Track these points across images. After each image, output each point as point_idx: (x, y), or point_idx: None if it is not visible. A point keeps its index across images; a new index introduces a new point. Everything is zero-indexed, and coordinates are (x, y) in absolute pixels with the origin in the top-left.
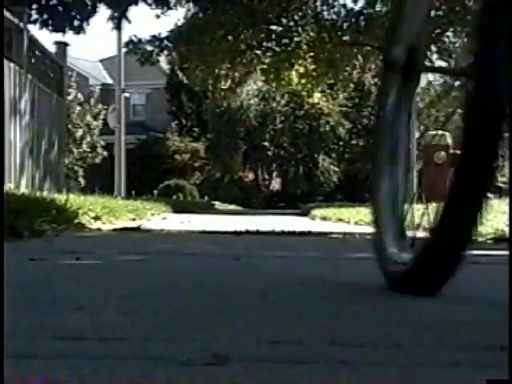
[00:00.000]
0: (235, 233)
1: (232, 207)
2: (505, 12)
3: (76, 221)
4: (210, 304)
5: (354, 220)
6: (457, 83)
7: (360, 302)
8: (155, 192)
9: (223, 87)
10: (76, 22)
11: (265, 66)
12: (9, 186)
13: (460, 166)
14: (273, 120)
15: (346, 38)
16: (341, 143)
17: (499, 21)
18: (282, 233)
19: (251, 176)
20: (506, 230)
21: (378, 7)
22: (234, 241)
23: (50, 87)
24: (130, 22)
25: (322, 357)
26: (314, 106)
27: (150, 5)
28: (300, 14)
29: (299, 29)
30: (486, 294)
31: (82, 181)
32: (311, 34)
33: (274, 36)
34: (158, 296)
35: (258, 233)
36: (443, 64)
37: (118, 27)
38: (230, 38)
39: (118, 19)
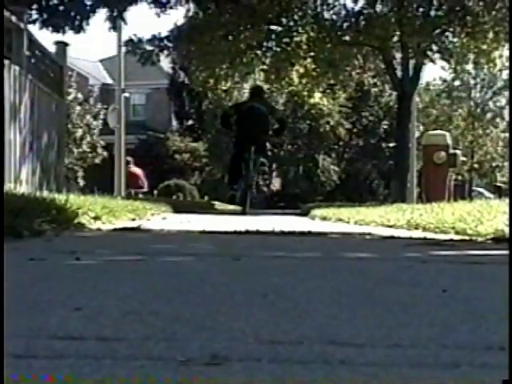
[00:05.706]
0: (235, 233)
1: (232, 207)
2: None
3: (76, 221)
4: (209, 304)
5: (354, 220)
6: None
7: (360, 302)
8: (155, 192)
9: (224, 88)
10: (76, 22)
11: (265, 66)
12: (9, 186)
13: None
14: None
15: (346, 38)
16: (341, 143)
17: None
18: (282, 233)
19: None
20: (506, 230)
21: (377, 7)
22: (234, 241)
23: (50, 87)
24: (126, 23)
25: (322, 357)
26: (314, 106)
27: (149, 4)
28: (300, 13)
29: (299, 29)
30: (486, 294)
31: (81, 181)
32: (311, 33)
33: (273, 36)
34: (158, 296)
35: (258, 233)
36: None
37: (114, 27)
38: (230, 38)
39: (116, 18)
